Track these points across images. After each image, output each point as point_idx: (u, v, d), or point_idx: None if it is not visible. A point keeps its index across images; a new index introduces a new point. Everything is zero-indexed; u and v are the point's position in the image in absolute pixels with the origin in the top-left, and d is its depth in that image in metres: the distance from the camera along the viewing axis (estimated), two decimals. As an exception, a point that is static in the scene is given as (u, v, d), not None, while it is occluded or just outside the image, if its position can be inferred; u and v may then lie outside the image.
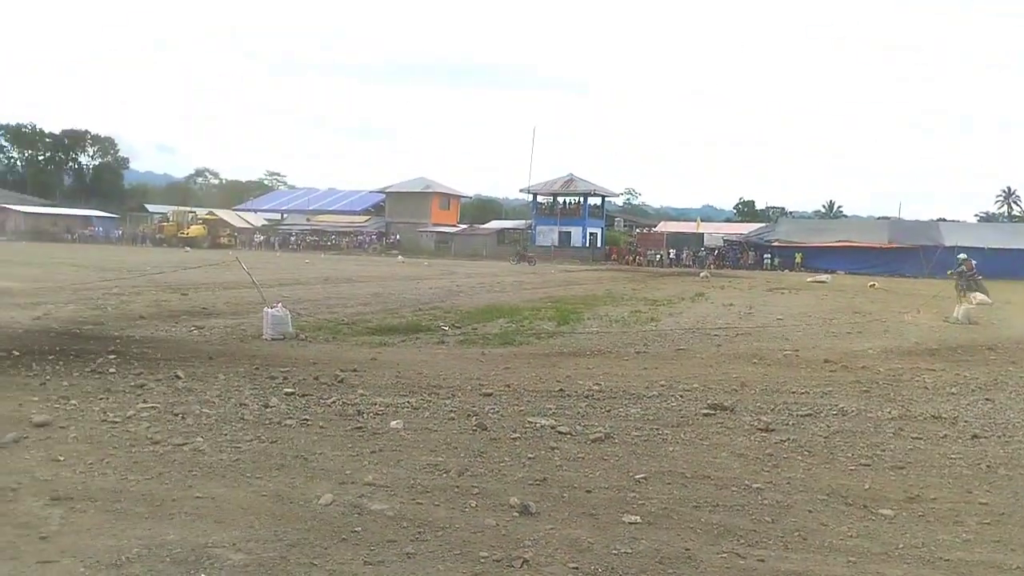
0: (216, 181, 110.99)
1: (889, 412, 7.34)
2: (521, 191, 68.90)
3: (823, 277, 38.24)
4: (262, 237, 68.97)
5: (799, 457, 5.80)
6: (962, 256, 26.99)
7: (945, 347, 12.40)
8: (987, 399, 8.10)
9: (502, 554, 3.87)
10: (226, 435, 5.87)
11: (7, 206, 72.26)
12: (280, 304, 12.36)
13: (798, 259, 53.25)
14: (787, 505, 4.74)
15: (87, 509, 4.25)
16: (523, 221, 72.08)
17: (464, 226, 72.54)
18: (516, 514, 4.42)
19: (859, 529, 4.38)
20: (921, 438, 6.41)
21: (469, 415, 6.78)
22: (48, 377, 7.89)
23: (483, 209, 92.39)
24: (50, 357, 8.94)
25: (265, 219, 76.90)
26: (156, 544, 3.81)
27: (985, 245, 48.66)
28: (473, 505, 4.56)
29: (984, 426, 6.86)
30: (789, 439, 6.26)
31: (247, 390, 7.58)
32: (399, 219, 70.89)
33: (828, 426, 6.76)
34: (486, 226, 72.94)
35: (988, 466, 5.65)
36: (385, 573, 3.64)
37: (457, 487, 4.87)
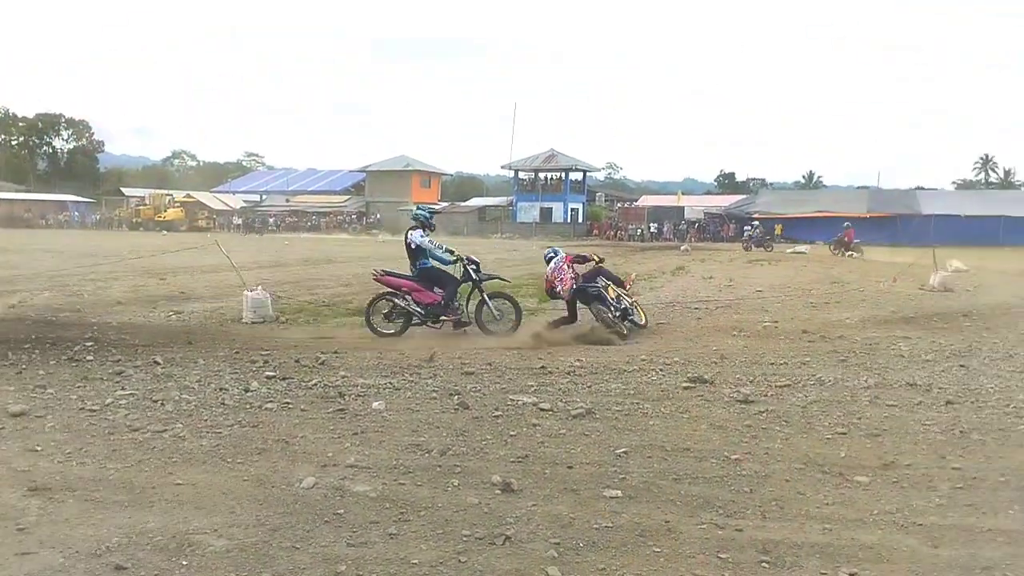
0: (193, 163, 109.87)
1: (865, 380, 7.44)
2: (502, 167, 68.51)
3: (802, 248, 38.53)
4: (241, 219, 68.29)
5: (777, 427, 5.87)
6: (846, 224, 32.66)
7: (921, 315, 12.53)
8: (961, 365, 8.21)
9: (484, 532, 3.90)
10: (206, 420, 5.85)
11: (-21, 193, 71.20)
12: (260, 287, 12.27)
13: (778, 230, 53.43)
14: (765, 475, 4.81)
15: (66, 499, 4.23)
16: (504, 198, 71.82)
17: (445, 204, 72.17)
18: (498, 492, 4.45)
19: (835, 496, 4.46)
20: (896, 405, 6.50)
21: (451, 394, 6.79)
22: (24, 366, 7.81)
23: (464, 186, 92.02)
24: (26, 346, 8.84)
25: (244, 201, 76.11)
26: (137, 532, 3.81)
27: (962, 213, 49.40)
28: (456, 484, 4.58)
29: (958, 392, 6.96)
30: (768, 410, 6.33)
31: (227, 374, 7.55)
32: (379, 198, 70.39)
33: (806, 396, 6.84)
34: (467, 204, 72.62)
35: (961, 431, 5.75)
36: (368, 555, 3.65)
37: (439, 466, 4.89)
